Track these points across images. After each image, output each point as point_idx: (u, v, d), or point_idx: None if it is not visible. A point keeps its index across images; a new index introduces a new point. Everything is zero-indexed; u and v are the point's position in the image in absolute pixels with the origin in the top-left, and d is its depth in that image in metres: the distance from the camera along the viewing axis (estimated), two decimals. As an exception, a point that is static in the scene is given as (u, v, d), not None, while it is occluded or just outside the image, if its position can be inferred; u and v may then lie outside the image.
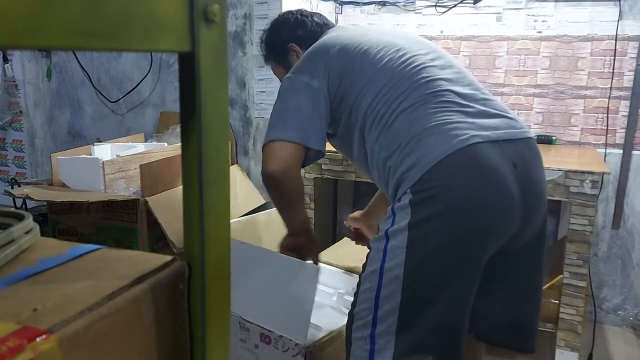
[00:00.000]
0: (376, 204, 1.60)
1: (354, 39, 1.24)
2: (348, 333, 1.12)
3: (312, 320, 1.45)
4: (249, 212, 2.05)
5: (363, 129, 1.16)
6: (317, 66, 1.20)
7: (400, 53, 1.17)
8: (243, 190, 2.15)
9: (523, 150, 1.09)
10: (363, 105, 1.15)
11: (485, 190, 1.02)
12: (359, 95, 1.16)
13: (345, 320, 1.40)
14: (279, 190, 1.24)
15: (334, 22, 1.42)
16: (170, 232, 1.66)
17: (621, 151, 2.28)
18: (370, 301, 1.05)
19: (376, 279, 1.04)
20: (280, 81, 1.43)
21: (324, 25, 1.39)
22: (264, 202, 2.17)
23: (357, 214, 1.67)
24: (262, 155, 1.23)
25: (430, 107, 1.08)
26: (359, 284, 1.11)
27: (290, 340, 1.26)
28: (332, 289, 1.67)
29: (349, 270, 1.71)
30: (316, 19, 1.40)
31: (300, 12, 1.42)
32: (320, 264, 1.82)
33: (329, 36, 1.30)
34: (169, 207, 1.72)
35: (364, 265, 1.10)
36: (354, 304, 1.11)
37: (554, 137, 2.34)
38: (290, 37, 1.38)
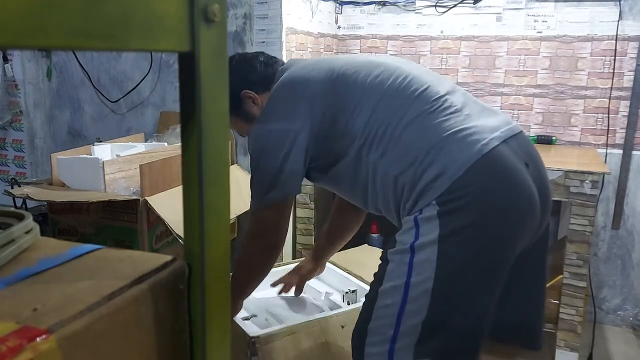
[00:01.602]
0: (329, 241, 1.57)
1: (325, 64, 1.18)
2: (359, 348, 1.08)
3: (283, 312, 1.48)
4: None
5: (361, 150, 1.10)
6: (295, 104, 1.14)
7: (382, 69, 1.14)
8: (247, 186, 2.15)
9: (525, 147, 1.10)
10: (359, 125, 1.10)
11: (513, 194, 1.02)
12: (352, 117, 1.11)
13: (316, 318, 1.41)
14: (274, 259, 1.26)
15: (281, 58, 1.35)
16: (175, 228, 1.66)
17: (621, 151, 2.28)
18: (392, 317, 1.02)
19: (400, 295, 1.01)
20: (240, 134, 1.37)
21: (274, 63, 1.30)
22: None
23: (304, 264, 1.63)
24: (256, 222, 1.22)
25: (439, 116, 1.06)
26: (372, 298, 1.06)
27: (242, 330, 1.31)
28: (324, 288, 1.68)
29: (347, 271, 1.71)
30: (261, 59, 1.29)
31: (243, 56, 1.32)
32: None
33: (294, 70, 1.22)
34: (170, 205, 1.72)
35: (379, 279, 1.06)
36: (366, 319, 1.07)
37: (554, 137, 2.34)
38: (242, 84, 1.26)
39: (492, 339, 1.20)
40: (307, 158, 1.17)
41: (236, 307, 1.34)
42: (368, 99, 1.11)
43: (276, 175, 1.15)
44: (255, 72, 1.27)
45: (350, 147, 1.12)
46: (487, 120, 1.07)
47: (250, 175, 1.23)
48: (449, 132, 1.03)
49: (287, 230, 1.23)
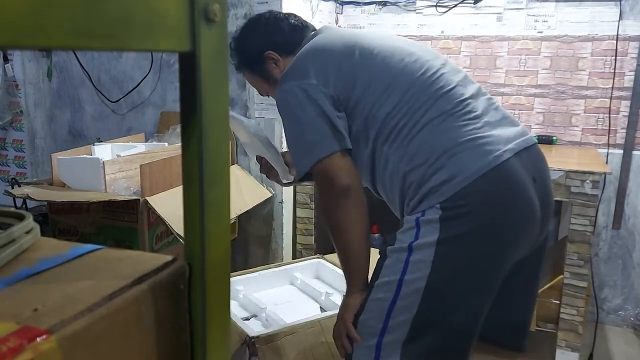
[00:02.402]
0: None
1: (359, 41, 1.14)
2: (350, 340, 1.10)
3: (282, 314, 1.47)
4: (256, 205, 2.07)
5: (377, 139, 1.09)
6: (321, 70, 1.10)
7: (414, 58, 1.12)
8: (247, 186, 2.16)
9: (536, 160, 1.10)
10: (381, 114, 1.08)
11: (517, 210, 1.02)
12: (376, 104, 1.09)
13: (311, 318, 1.41)
14: (360, 205, 1.09)
15: (313, 24, 1.30)
16: (175, 227, 1.66)
17: (622, 151, 2.28)
18: (382, 311, 1.03)
19: (393, 290, 1.02)
20: (260, 92, 1.34)
21: (305, 28, 1.27)
22: (270, 195, 2.18)
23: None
24: (317, 177, 1.10)
25: (458, 120, 1.05)
26: (368, 291, 1.08)
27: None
28: (324, 288, 1.68)
29: None
30: (292, 21, 1.26)
31: (274, 15, 1.28)
32: (322, 261, 1.82)
33: (324, 37, 1.18)
34: (170, 205, 1.72)
35: (376, 273, 1.07)
36: (359, 310, 1.08)
37: (554, 137, 2.34)
38: (267, 45, 1.23)
39: (480, 339, 1.21)
40: (338, 113, 1.10)
41: (356, 283, 1.12)
42: (395, 88, 1.09)
43: (324, 126, 1.07)
44: (281, 34, 1.24)
45: (369, 133, 1.10)
46: (504, 130, 1.07)
47: (287, 141, 1.14)
48: (465, 138, 1.03)
49: (354, 175, 1.09)
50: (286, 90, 1.11)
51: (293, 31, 1.25)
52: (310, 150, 1.08)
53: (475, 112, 1.07)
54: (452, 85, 1.09)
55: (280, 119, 1.16)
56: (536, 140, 1.13)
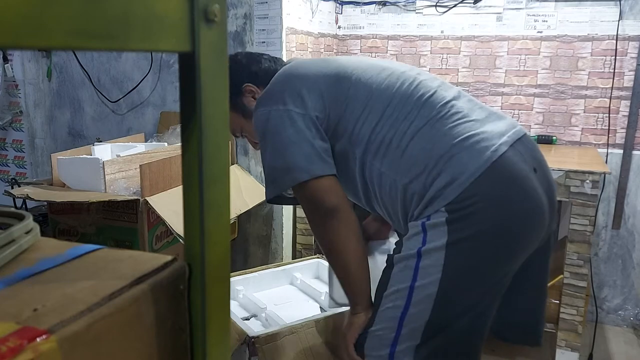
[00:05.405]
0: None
1: (330, 62, 1.17)
2: (359, 353, 1.09)
3: (281, 314, 1.48)
4: (255, 205, 2.07)
5: (365, 155, 1.09)
6: (297, 94, 1.10)
7: (389, 72, 1.13)
8: (247, 186, 2.16)
9: (532, 150, 1.10)
10: (365, 130, 1.08)
11: (523, 203, 1.02)
12: (358, 122, 1.09)
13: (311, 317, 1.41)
14: (350, 223, 1.09)
15: (281, 58, 1.33)
16: (175, 227, 1.66)
17: (621, 151, 2.28)
18: (394, 320, 1.02)
19: (404, 298, 1.01)
20: (234, 133, 1.32)
21: (277, 61, 1.30)
22: (270, 195, 2.18)
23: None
24: (303, 200, 1.12)
25: (446, 123, 1.05)
26: (377, 305, 1.07)
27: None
28: (324, 288, 1.68)
29: None
30: (266, 56, 1.30)
31: (249, 53, 1.33)
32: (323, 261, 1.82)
33: (297, 63, 1.20)
34: (170, 205, 1.72)
35: (384, 284, 1.06)
36: (369, 324, 1.07)
37: (554, 137, 2.34)
38: (245, 77, 1.24)
39: (493, 336, 1.21)
40: (319, 135, 1.10)
41: (360, 302, 1.12)
42: (376, 103, 1.09)
43: (296, 151, 1.07)
44: (259, 65, 1.26)
45: (355, 151, 1.11)
46: (494, 125, 1.07)
47: (264, 162, 1.14)
48: (458, 139, 1.03)
49: (340, 195, 1.10)
50: (265, 113, 1.11)
51: (269, 63, 1.28)
52: (290, 171, 1.08)
53: (461, 112, 1.07)
54: (431, 92, 1.09)
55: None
56: (525, 132, 1.12)
